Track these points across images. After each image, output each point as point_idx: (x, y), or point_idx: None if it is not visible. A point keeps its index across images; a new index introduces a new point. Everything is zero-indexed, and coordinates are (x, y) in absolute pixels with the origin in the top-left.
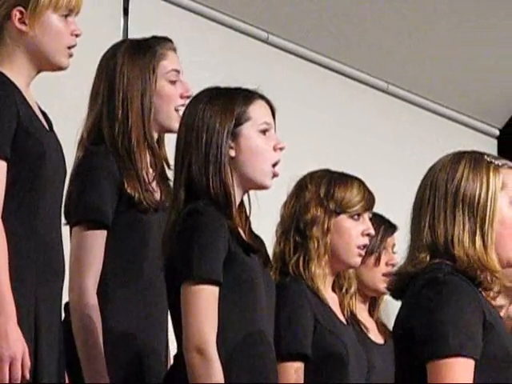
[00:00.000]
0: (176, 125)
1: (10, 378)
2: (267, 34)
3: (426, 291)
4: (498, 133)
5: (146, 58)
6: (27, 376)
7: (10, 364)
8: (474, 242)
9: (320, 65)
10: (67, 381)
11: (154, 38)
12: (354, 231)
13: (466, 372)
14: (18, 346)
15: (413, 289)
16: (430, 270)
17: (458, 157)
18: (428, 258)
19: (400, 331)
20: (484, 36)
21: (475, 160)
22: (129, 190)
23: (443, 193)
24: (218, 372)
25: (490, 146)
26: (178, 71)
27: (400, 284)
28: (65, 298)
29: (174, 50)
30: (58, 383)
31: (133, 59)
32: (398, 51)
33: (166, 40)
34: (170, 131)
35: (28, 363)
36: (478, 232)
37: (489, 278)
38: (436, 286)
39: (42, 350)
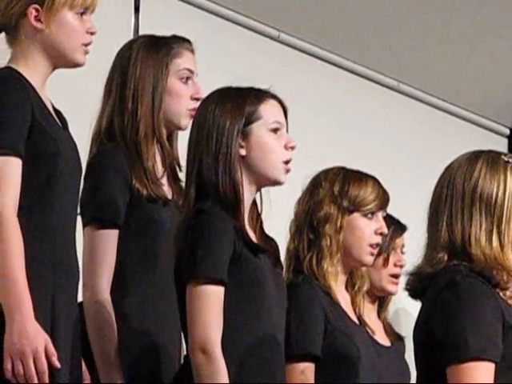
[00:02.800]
0: (184, 122)
1: (36, 372)
2: (278, 31)
3: (445, 294)
4: (508, 132)
5: (161, 53)
6: (56, 364)
7: (33, 358)
8: (490, 242)
9: (331, 63)
10: (89, 380)
11: (174, 36)
12: (367, 230)
13: (486, 375)
14: (39, 340)
15: (432, 291)
16: (449, 271)
17: (475, 156)
18: (446, 257)
19: (420, 334)
20: (496, 35)
21: (492, 159)
22: (136, 184)
23: (460, 192)
24: (222, 372)
25: (500, 145)
26: (191, 71)
27: (418, 284)
28: (79, 296)
29: (192, 51)
30: (75, 382)
31: (147, 53)
32: (409, 49)
33: (184, 40)
34: (179, 128)
35: (54, 352)
36: (494, 231)
37: (505, 277)
38: (454, 288)
39: (59, 347)
